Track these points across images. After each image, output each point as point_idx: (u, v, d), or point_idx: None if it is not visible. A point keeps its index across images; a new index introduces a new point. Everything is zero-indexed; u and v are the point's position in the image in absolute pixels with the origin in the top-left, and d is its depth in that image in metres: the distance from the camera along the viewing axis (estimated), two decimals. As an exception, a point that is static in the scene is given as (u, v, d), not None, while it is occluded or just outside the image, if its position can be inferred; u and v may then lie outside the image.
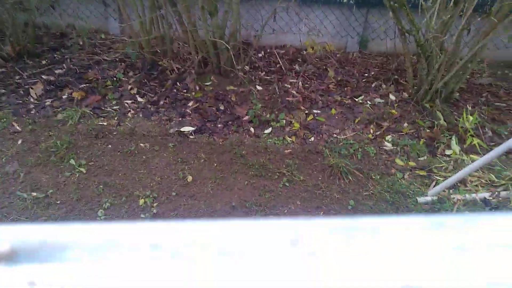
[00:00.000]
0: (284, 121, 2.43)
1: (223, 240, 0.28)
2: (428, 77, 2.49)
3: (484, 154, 1.78)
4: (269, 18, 2.66)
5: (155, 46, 2.82)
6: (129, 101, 2.51)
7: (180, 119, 2.36)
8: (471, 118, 2.25)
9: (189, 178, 1.94)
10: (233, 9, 2.54)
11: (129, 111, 2.43)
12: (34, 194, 1.82)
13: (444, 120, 2.47)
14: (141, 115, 2.40)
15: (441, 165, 2.14)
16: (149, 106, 2.48)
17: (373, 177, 2.04)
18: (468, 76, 3.30)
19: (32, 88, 2.55)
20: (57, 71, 2.80)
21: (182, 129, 2.24)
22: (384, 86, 2.89)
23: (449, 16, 2.07)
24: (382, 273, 0.27)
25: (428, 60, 2.46)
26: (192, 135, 2.25)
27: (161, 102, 2.51)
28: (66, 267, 0.27)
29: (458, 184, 1.99)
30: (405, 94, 2.77)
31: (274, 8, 2.58)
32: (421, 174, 2.08)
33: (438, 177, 2.05)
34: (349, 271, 0.27)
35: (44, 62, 2.91)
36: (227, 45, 2.44)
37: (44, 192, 1.84)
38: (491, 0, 3.04)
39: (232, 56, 2.54)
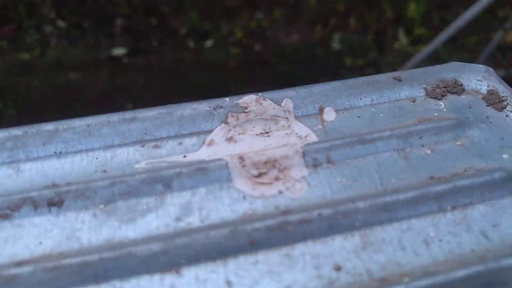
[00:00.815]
0: (226, 30, 2.24)
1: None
2: (373, -36, 2.32)
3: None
4: None
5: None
6: (49, 27, 2.21)
7: (109, 40, 2.13)
8: (413, 6, 2.17)
9: (129, 107, 1.81)
10: None
11: (51, 38, 2.15)
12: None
13: (392, 10, 2.37)
14: (65, 42, 2.13)
15: (389, 59, 2.09)
16: (72, 30, 2.20)
17: (323, 80, 1.98)
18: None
19: None
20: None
21: (113, 53, 2.03)
22: (329, -22, 2.68)
23: None
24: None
25: None
26: (125, 57, 2.05)
27: (85, 24, 2.23)
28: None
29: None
30: (351, -14, 2.60)
31: None
32: (370, 71, 2.04)
33: (387, 71, 2.02)
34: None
35: None
36: None
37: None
38: None
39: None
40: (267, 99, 0.38)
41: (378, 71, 2.04)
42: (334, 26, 2.30)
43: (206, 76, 1.96)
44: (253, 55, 2.12)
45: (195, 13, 2.27)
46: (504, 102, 0.33)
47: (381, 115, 0.38)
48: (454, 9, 2.43)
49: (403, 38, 2.20)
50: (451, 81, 0.35)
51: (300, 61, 2.08)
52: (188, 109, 0.37)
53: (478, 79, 0.33)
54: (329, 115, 0.37)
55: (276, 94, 0.40)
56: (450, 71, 0.36)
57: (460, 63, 0.36)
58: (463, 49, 2.21)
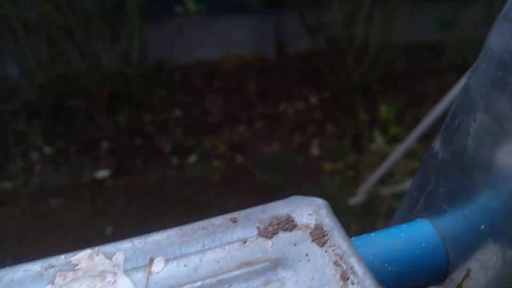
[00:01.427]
0: (209, 144, 2.32)
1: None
2: (343, 72, 2.50)
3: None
4: (177, 36, 2.54)
5: (59, 86, 2.60)
6: (36, 154, 2.28)
7: (94, 163, 2.17)
8: (384, 108, 2.29)
9: (109, 230, 1.78)
10: (136, 32, 2.39)
11: (36, 166, 2.20)
12: None
13: (367, 114, 2.49)
14: (50, 168, 2.18)
15: (367, 161, 2.13)
16: (58, 155, 2.27)
17: (304, 187, 1.99)
18: (384, 66, 3.39)
19: None
20: None
21: (96, 176, 2.06)
22: (305, 89, 2.87)
23: (351, 7, 2.08)
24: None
25: (340, 55, 2.47)
26: (108, 180, 2.07)
27: (71, 149, 2.30)
28: None
29: (386, 177, 2.00)
30: (326, 94, 2.77)
31: (179, 25, 2.47)
32: (349, 174, 2.06)
33: (366, 174, 2.04)
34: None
35: None
36: (134, 73, 2.29)
37: None
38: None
39: (143, 84, 2.39)
40: (100, 253, 0.36)
41: (358, 173, 2.06)
42: (312, 132, 2.39)
43: (189, 192, 1.97)
44: (235, 167, 2.16)
45: (179, 130, 2.37)
46: (325, 237, 0.31)
47: (206, 262, 0.36)
48: (425, 107, 2.56)
49: (379, 139, 2.27)
50: (284, 217, 0.34)
51: (280, 170, 2.11)
52: (20, 271, 0.35)
53: (309, 213, 0.33)
54: (157, 266, 0.36)
55: (111, 247, 0.38)
56: (286, 206, 0.35)
57: (299, 196, 0.34)
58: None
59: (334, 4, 2.10)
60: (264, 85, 2.94)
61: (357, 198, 1.89)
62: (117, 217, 1.85)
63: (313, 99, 2.69)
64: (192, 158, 2.22)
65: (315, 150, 2.24)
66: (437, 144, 0.32)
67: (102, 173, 2.07)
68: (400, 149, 1.76)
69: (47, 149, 2.32)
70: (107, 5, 2.27)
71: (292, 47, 3.49)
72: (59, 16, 2.24)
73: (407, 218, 0.36)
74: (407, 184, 1.94)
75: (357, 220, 1.83)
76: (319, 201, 0.35)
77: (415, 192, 0.35)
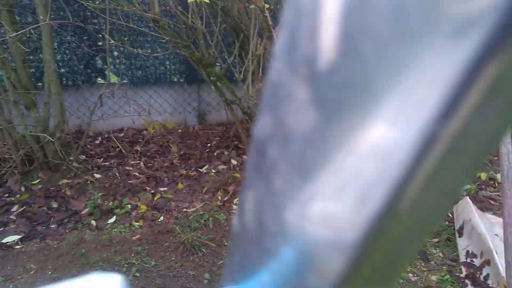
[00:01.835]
0: (130, 205, 2.30)
1: None
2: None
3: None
4: (95, 104, 2.59)
5: (-36, 150, 2.45)
6: None
7: (3, 229, 2.03)
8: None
9: (16, 298, 1.64)
10: (54, 100, 2.40)
11: None
12: None
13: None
14: None
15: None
16: (-41, 221, 2.08)
17: (226, 244, 2.05)
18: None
19: None
20: None
21: (4, 240, 1.92)
22: (225, 152, 3.04)
23: (261, 84, 2.35)
24: None
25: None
26: (18, 244, 1.94)
27: (-25, 214, 2.13)
28: None
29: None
30: (246, 157, 2.96)
31: (100, 94, 2.53)
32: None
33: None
34: None
35: None
36: (51, 138, 2.27)
37: None
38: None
39: (60, 148, 2.36)
40: None
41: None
42: (234, 191, 2.51)
43: (107, 253, 1.91)
44: (156, 226, 2.16)
45: (98, 193, 2.33)
46: None
47: None
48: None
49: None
50: None
51: (203, 227, 2.16)
52: None
53: None
54: None
55: None
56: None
57: (97, 274, 0.30)
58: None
59: (247, 81, 2.36)
60: (186, 149, 3.06)
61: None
62: (26, 283, 1.71)
63: (234, 161, 2.86)
64: (112, 220, 2.18)
65: (236, 208, 2.35)
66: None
67: (12, 238, 1.94)
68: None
69: None
70: (22, 76, 2.28)
71: (213, 116, 3.72)
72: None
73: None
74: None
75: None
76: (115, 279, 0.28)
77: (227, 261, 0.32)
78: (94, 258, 1.87)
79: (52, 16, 2.75)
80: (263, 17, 2.15)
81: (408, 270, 1.87)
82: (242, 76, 2.30)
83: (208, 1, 1.84)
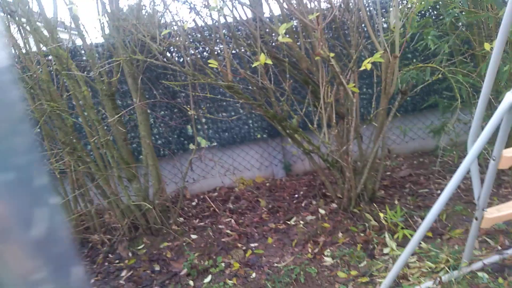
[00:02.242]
0: (223, 263, 2.38)
1: None
2: (345, 184, 2.66)
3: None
4: (187, 169, 2.81)
5: (83, 223, 2.82)
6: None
7: (114, 292, 2.24)
8: (389, 212, 2.36)
9: None
10: (151, 170, 2.68)
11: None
12: None
13: (375, 220, 2.56)
14: None
15: (380, 265, 2.14)
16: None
17: (319, 298, 1.97)
18: (389, 173, 3.56)
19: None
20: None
21: (115, 304, 2.11)
22: (313, 202, 3.01)
23: (336, 131, 2.33)
24: None
25: (340, 170, 2.66)
26: (127, 307, 2.11)
27: (92, 281, 2.39)
28: None
29: (400, 280, 1.98)
30: (334, 205, 2.89)
31: (189, 159, 2.76)
32: (363, 281, 2.05)
33: (380, 280, 2.03)
34: None
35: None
36: (150, 205, 2.50)
37: None
38: (367, 111, 3.49)
39: (159, 214, 2.58)
40: None
41: (372, 279, 2.05)
42: (324, 242, 2.44)
43: (204, 313, 1.98)
44: (249, 283, 2.18)
45: (194, 253, 2.47)
46: None
47: None
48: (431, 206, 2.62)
49: (390, 243, 2.30)
50: None
51: (294, 282, 2.12)
52: None
53: None
54: None
55: None
56: None
57: None
58: (452, 241, 2.28)
59: (323, 129, 2.37)
60: (274, 202, 3.10)
61: (373, 303, 1.85)
62: None
63: (322, 211, 2.80)
64: (207, 279, 2.26)
65: (328, 259, 2.27)
66: None
67: (121, 301, 2.12)
68: (406, 249, 1.79)
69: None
70: (124, 152, 2.61)
71: (298, 166, 3.75)
72: (82, 165, 2.57)
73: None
74: (422, 285, 1.91)
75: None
76: None
77: None
78: (192, 318, 1.95)
79: (146, 96, 3.15)
80: (330, 65, 2.20)
81: None
82: (315, 126, 2.32)
83: (271, 63, 1.94)
